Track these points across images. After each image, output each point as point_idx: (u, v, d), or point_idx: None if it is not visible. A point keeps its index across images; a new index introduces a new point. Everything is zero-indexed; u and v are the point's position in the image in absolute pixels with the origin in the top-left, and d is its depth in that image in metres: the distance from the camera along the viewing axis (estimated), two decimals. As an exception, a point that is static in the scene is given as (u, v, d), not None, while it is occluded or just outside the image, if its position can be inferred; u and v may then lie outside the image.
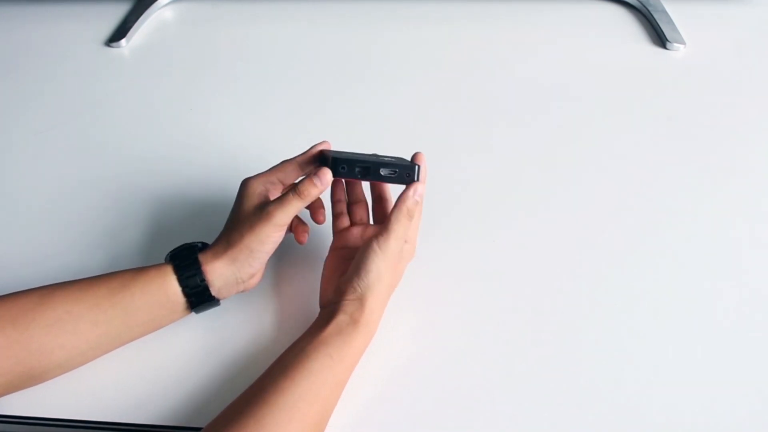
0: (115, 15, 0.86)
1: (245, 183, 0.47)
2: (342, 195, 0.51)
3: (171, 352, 0.47)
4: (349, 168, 0.45)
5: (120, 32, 0.82)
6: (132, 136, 0.68)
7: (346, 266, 0.47)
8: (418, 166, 0.45)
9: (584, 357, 0.47)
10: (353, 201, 0.52)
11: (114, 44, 0.81)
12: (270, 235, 0.44)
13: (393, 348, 0.47)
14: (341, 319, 0.43)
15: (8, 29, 0.85)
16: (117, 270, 0.45)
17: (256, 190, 0.46)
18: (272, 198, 0.47)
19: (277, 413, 0.38)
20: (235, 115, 0.70)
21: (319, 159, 0.47)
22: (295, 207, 0.44)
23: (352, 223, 0.51)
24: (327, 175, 0.44)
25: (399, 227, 0.44)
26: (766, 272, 0.52)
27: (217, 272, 0.45)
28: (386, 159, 0.47)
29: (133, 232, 0.57)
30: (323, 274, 0.49)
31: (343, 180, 0.51)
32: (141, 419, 0.44)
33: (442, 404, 0.44)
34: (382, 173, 0.45)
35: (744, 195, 0.59)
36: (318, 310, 0.47)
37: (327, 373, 0.40)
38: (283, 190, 0.49)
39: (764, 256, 0.54)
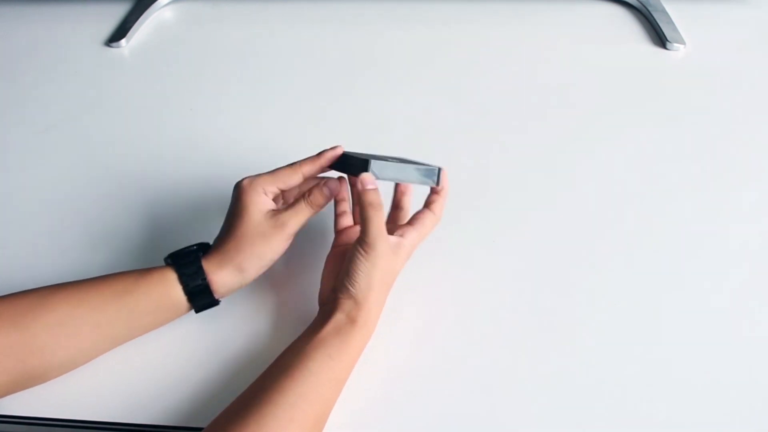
0: (115, 15, 0.86)
1: (244, 188, 0.46)
2: (345, 194, 0.51)
3: (171, 352, 0.47)
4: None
5: (120, 32, 0.82)
6: (132, 136, 0.68)
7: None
8: (440, 170, 0.47)
9: (584, 356, 0.47)
10: (357, 201, 0.51)
11: (114, 44, 0.81)
12: (282, 243, 0.46)
13: (392, 347, 0.47)
14: (339, 318, 0.43)
15: (8, 29, 0.85)
16: (117, 271, 0.45)
17: (260, 198, 0.46)
18: (271, 203, 0.47)
19: (279, 412, 0.38)
20: (235, 115, 0.70)
21: (337, 162, 0.48)
22: (307, 216, 0.46)
23: (355, 222, 0.51)
24: (337, 187, 0.48)
25: (369, 226, 0.43)
26: (766, 272, 0.52)
27: (222, 281, 0.45)
28: (412, 164, 0.46)
29: (133, 232, 0.57)
30: (323, 272, 0.49)
31: (347, 179, 0.51)
32: (141, 419, 0.44)
33: (441, 403, 0.44)
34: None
35: (744, 195, 0.59)
36: (317, 309, 0.47)
37: (327, 372, 0.41)
38: (282, 195, 0.49)
39: (765, 256, 0.54)
